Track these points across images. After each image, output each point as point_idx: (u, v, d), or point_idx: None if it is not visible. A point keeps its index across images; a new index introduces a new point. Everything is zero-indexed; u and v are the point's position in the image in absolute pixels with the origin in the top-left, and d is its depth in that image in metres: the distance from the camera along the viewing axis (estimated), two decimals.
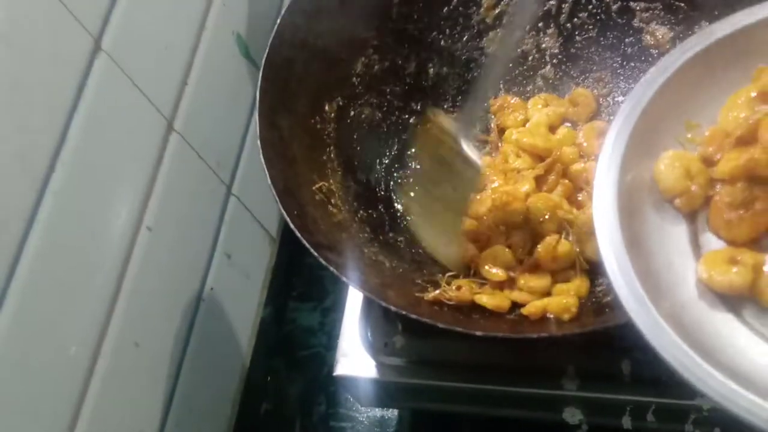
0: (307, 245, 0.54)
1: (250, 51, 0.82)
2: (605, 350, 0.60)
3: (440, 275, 0.62)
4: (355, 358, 0.64)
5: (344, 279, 0.53)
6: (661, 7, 0.67)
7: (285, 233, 0.90)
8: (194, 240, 0.73)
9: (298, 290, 0.91)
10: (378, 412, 0.82)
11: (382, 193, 0.70)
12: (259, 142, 0.58)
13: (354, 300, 0.66)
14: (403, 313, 0.52)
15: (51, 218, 0.53)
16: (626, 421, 0.60)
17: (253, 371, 0.82)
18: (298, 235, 0.54)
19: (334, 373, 0.64)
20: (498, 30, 0.72)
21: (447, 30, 0.72)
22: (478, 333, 0.52)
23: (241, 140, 0.82)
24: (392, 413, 0.82)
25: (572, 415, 0.61)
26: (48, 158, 0.53)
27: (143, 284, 0.63)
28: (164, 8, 0.67)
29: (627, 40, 0.69)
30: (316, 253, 0.53)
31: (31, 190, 0.52)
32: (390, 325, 0.65)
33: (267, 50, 0.61)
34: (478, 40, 0.73)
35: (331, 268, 0.53)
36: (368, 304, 0.66)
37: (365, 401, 0.74)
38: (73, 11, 0.55)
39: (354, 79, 0.69)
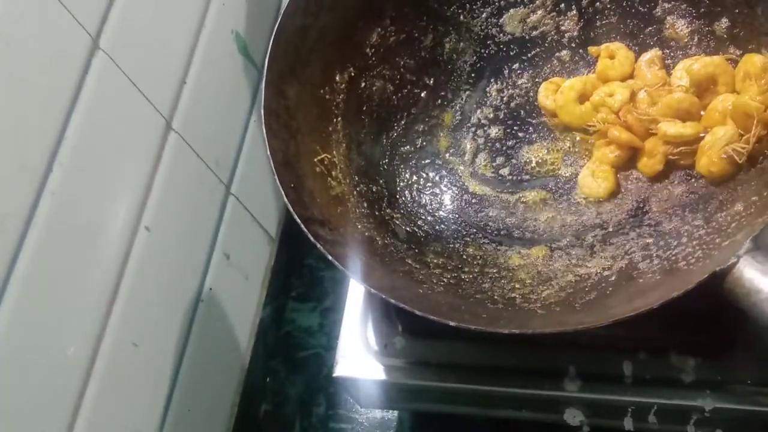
0: (297, 219, 0.53)
1: (249, 49, 0.81)
2: (606, 351, 0.60)
3: (431, 255, 0.62)
4: (354, 359, 0.63)
5: (330, 257, 0.52)
6: None
7: (284, 233, 0.90)
8: (193, 240, 0.73)
9: (297, 290, 0.91)
10: (378, 413, 0.82)
11: (385, 168, 0.69)
12: (262, 110, 0.57)
13: (354, 301, 0.66)
14: (383, 296, 0.52)
15: (49, 218, 0.53)
16: (628, 423, 0.60)
17: (252, 372, 0.82)
18: (291, 209, 0.54)
19: (334, 374, 0.64)
20: (519, 8, 0.72)
21: (467, 4, 0.72)
22: (452, 323, 0.50)
23: (241, 139, 0.81)
24: (392, 414, 0.81)
25: (573, 416, 0.61)
26: (46, 158, 0.53)
27: (142, 284, 0.63)
28: (163, 7, 0.67)
29: (647, 30, 0.68)
30: (304, 228, 0.53)
31: (29, 190, 0.52)
32: (390, 326, 0.64)
33: (281, 17, 0.60)
34: (497, 17, 0.72)
35: (319, 245, 0.52)
36: (368, 305, 0.66)
37: (365, 402, 0.74)
38: (71, 10, 0.55)
39: (368, 49, 0.69)
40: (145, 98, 0.64)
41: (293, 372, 0.86)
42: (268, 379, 0.85)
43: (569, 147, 0.70)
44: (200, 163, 0.73)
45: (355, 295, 0.66)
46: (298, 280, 0.91)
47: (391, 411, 0.81)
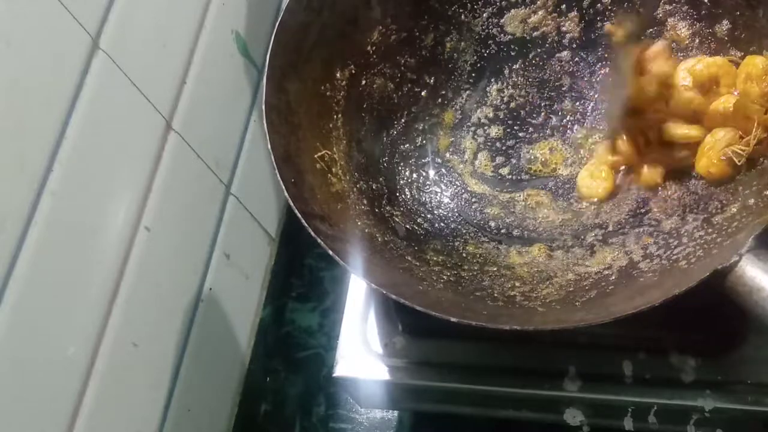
0: (297, 214, 0.53)
1: (249, 49, 0.81)
2: (606, 351, 0.60)
3: (431, 252, 0.62)
4: (354, 359, 0.63)
5: (331, 252, 0.52)
6: (684, 0, 0.66)
7: (284, 233, 0.90)
8: (193, 240, 0.73)
9: (297, 290, 0.91)
10: (378, 413, 0.82)
11: (385, 165, 0.69)
12: (263, 105, 0.57)
13: (354, 300, 0.66)
14: (383, 291, 0.51)
15: (49, 218, 0.53)
16: (628, 423, 0.60)
17: (252, 372, 0.82)
18: (291, 204, 0.54)
19: (334, 374, 0.64)
20: (520, 8, 0.72)
21: (468, 4, 0.72)
22: (453, 319, 0.49)
23: (241, 139, 0.81)
24: (392, 414, 0.81)
25: (573, 417, 0.61)
26: (46, 158, 0.53)
27: (141, 284, 0.63)
28: (163, 7, 0.67)
29: (648, 31, 0.68)
30: (305, 223, 0.53)
31: (29, 190, 0.52)
32: (390, 325, 0.64)
33: (282, 13, 0.61)
34: (498, 17, 0.72)
35: (319, 240, 0.52)
36: (368, 305, 0.66)
37: (365, 402, 0.74)
38: (71, 10, 0.55)
39: (369, 47, 0.69)
40: (145, 98, 0.64)
41: (293, 372, 0.86)
42: (268, 379, 0.85)
43: (569, 147, 0.70)
44: (200, 163, 0.73)
45: (355, 295, 0.66)
46: (298, 280, 0.91)
47: (391, 411, 0.81)
